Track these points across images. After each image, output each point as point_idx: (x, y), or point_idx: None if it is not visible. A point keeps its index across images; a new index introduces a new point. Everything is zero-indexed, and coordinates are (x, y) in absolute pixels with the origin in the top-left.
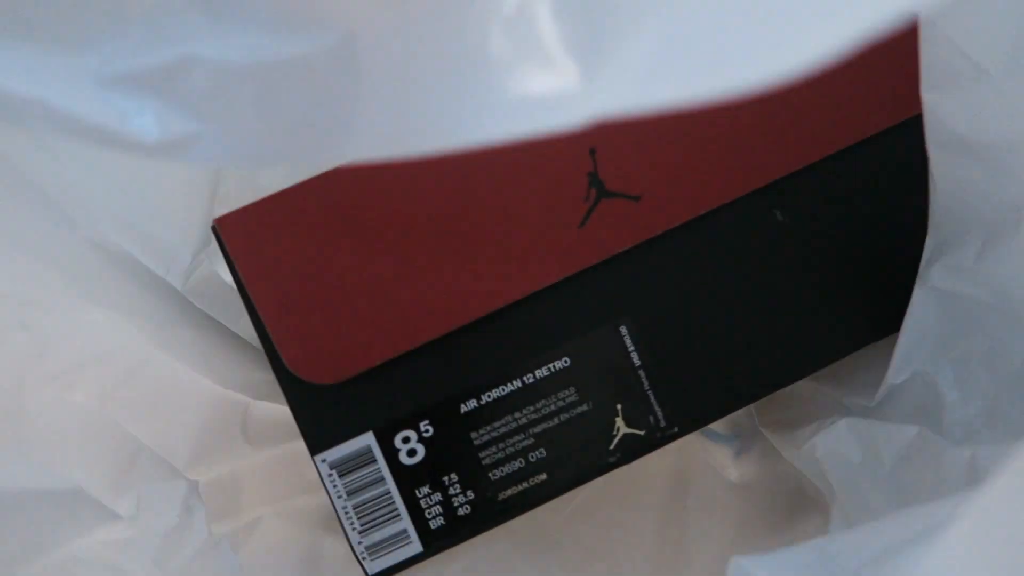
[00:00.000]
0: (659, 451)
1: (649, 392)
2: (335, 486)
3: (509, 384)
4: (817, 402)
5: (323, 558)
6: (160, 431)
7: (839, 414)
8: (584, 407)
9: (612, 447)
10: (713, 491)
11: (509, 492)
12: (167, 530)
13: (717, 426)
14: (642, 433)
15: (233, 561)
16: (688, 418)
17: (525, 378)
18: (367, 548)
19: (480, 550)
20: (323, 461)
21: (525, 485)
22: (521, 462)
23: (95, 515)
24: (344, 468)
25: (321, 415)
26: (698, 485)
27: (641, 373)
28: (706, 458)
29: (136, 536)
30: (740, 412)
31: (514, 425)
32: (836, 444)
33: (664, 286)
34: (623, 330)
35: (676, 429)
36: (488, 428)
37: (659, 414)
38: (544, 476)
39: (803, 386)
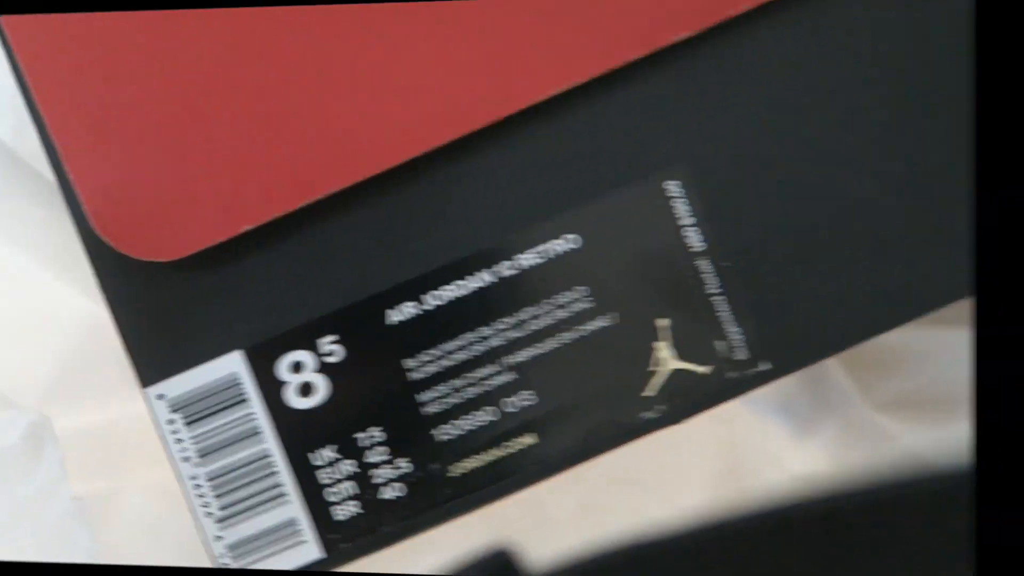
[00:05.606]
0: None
1: (719, 298)
2: (179, 440)
3: (472, 276)
4: None
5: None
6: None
7: None
8: (603, 321)
9: (652, 393)
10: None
11: (469, 464)
12: None
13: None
14: (706, 371)
15: (84, 534)
16: (791, 347)
17: (501, 267)
18: (230, 548)
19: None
20: (159, 397)
21: (497, 453)
22: (492, 413)
23: None
24: (194, 411)
25: (157, 320)
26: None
27: (702, 263)
28: (757, 436)
29: None
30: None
31: (480, 349)
32: None
33: (756, 113)
34: (670, 187)
35: (769, 365)
36: (435, 353)
37: (735, 339)
38: (531, 439)
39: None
